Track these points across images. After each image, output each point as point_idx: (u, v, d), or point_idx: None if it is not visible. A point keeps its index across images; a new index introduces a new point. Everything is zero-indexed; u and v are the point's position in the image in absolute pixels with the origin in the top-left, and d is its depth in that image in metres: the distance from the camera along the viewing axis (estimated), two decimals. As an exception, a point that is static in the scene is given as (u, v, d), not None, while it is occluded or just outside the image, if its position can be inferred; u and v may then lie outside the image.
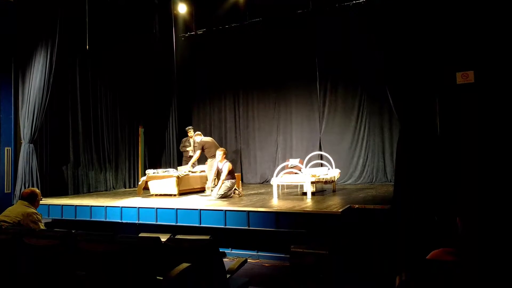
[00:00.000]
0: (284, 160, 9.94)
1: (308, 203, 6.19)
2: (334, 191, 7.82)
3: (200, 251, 2.99)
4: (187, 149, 9.65)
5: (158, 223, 6.23)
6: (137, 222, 6.38)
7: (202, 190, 8.36)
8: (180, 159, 11.51)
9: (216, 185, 7.26)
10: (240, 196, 7.39)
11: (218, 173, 7.45)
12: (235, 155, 11.57)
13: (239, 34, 11.14)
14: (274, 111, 11.10)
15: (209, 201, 6.70)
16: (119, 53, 10.10)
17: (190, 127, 10.02)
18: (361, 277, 4.88)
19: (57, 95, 8.37)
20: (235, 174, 7.62)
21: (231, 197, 7.22)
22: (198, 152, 8.38)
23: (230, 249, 6.13)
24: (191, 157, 9.39)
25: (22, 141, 7.78)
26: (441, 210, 4.96)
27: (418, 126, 5.66)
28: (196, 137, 8.60)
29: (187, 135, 9.86)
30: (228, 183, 7.14)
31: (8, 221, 4.02)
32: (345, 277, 4.89)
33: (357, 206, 5.70)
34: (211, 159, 8.52)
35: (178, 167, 9.22)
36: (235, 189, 7.48)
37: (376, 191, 7.72)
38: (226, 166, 7.14)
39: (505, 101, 5.33)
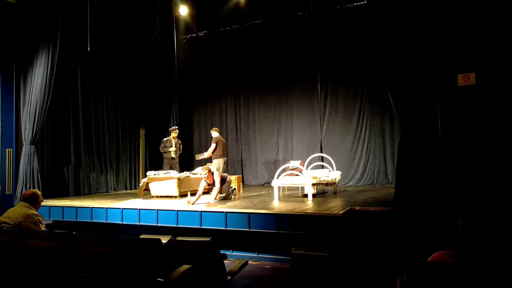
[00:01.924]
0: (285, 162, 9.93)
1: (309, 205, 6.19)
2: (335, 193, 7.81)
3: (201, 253, 2.98)
4: (170, 149, 9.27)
5: (159, 224, 6.23)
6: (138, 223, 6.39)
7: (203, 192, 8.38)
8: (182, 160, 11.51)
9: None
10: (235, 197, 7.38)
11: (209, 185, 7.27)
12: (236, 157, 11.57)
13: (240, 36, 11.15)
14: (275, 112, 11.10)
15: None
16: (120, 54, 10.13)
17: (175, 127, 9.74)
18: (362, 279, 4.87)
19: (58, 97, 8.38)
20: (232, 177, 7.65)
21: (230, 198, 7.22)
22: (213, 146, 8.62)
23: (231, 251, 6.12)
24: (173, 158, 9.28)
25: (24, 142, 7.80)
26: (442, 212, 4.95)
27: (419, 128, 5.65)
28: (212, 132, 8.93)
29: (169, 135, 9.52)
30: (225, 186, 7.15)
31: (9, 222, 4.02)
32: (345, 279, 4.88)
33: (358, 208, 5.69)
34: (216, 159, 8.55)
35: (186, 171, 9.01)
36: (234, 189, 7.49)
37: (377, 193, 7.71)
38: (217, 177, 7.00)
39: (506, 103, 5.33)
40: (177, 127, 9.85)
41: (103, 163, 9.65)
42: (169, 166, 9.20)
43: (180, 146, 9.51)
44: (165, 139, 9.48)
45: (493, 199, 4.94)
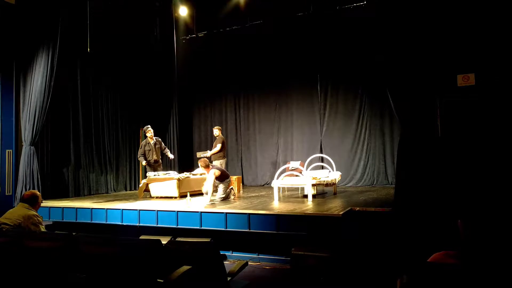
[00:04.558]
0: (285, 162, 9.92)
1: (309, 205, 6.18)
2: (335, 193, 7.81)
3: (201, 253, 2.98)
4: (143, 162, 8.52)
5: (158, 225, 6.23)
6: (137, 224, 6.38)
7: (203, 193, 8.37)
8: (182, 161, 11.49)
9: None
10: (234, 198, 7.39)
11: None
12: (236, 157, 11.56)
13: (240, 37, 11.14)
14: (275, 113, 11.10)
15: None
16: (120, 55, 10.13)
17: (147, 126, 8.80)
18: (362, 279, 4.86)
19: (58, 97, 8.38)
20: (231, 176, 7.69)
21: (229, 198, 7.23)
22: (219, 146, 8.38)
23: (230, 251, 6.12)
24: (156, 161, 8.63)
25: (23, 143, 7.79)
26: (442, 212, 4.95)
27: (419, 128, 5.65)
28: (216, 130, 8.63)
29: (146, 137, 8.73)
30: (221, 186, 7.22)
31: (9, 223, 4.02)
32: (346, 280, 4.88)
33: (358, 208, 5.69)
34: (218, 160, 8.51)
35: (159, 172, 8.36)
36: (231, 188, 7.51)
37: (377, 194, 7.71)
38: (211, 174, 6.99)
39: (505, 103, 5.33)
40: (149, 126, 8.83)
41: (103, 164, 9.64)
42: (152, 169, 8.54)
43: (161, 145, 8.81)
44: (142, 142, 8.76)
45: (494, 199, 4.94)
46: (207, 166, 7.13)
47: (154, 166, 8.64)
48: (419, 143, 5.59)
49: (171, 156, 8.98)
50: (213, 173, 6.98)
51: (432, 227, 4.84)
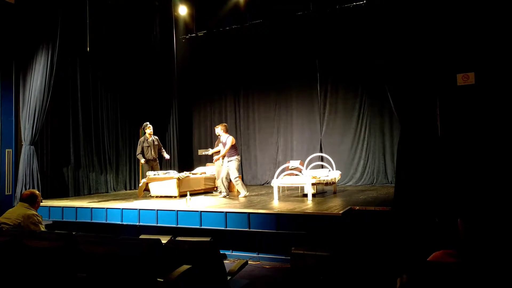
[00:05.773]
0: (285, 161, 9.92)
1: (308, 204, 6.19)
2: (334, 192, 7.81)
3: (201, 253, 2.99)
4: (142, 160, 8.47)
5: (158, 225, 6.23)
6: (137, 224, 6.38)
7: (203, 192, 8.36)
8: (182, 160, 11.49)
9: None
10: (235, 196, 7.43)
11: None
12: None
13: (239, 36, 11.15)
14: (274, 112, 11.09)
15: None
16: (120, 54, 10.12)
17: (147, 123, 8.73)
18: (361, 279, 4.87)
19: (58, 97, 8.38)
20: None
21: (229, 194, 7.46)
22: (221, 145, 7.95)
23: (230, 251, 6.12)
24: (154, 159, 8.56)
25: (23, 143, 7.79)
26: (442, 211, 4.96)
27: (418, 128, 5.65)
28: (217, 129, 8.06)
29: (144, 134, 8.66)
30: (235, 159, 7.50)
31: (9, 223, 4.02)
32: (345, 279, 4.88)
33: (357, 207, 5.69)
34: (233, 156, 8.43)
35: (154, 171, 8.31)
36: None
37: (377, 193, 7.71)
38: (229, 140, 7.44)
39: (505, 102, 5.33)
40: (148, 122, 8.78)
41: (103, 163, 9.64)
42: (149, 167, 8.51)
43: (159, 143, 8.78)
44: (141, 139, 8.70)
45: (494, 198, 4.94)
46: (226, 131, 7.67)
47: (152, 165, 8.62)
48: (419, 142, 5.59)
49: (167, 156, 8.86)
50: (231, 140, 7.47)
51: (432, 226, 4.85)
